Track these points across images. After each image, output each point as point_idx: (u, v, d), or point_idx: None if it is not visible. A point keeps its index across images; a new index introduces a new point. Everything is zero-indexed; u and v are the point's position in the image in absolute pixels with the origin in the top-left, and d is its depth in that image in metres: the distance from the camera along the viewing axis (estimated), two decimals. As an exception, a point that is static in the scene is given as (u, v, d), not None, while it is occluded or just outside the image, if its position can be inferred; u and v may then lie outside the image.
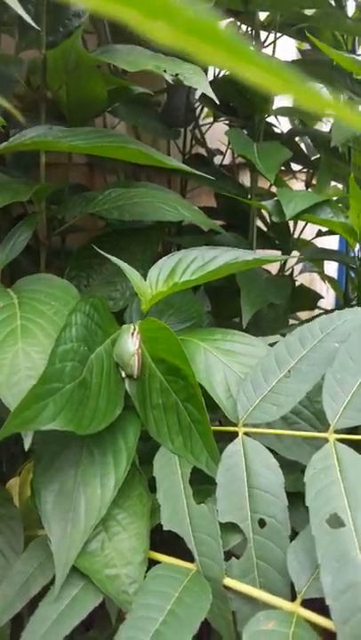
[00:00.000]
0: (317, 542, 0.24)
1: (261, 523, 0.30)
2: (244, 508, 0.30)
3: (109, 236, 0.59)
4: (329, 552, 0.24)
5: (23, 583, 0.36)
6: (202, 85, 0.43)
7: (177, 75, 0.42)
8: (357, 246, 0.58)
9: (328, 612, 0.23)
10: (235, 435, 0.33)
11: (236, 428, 0.34)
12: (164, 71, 0.43)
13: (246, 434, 0.33)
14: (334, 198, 0.60)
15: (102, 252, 0.42)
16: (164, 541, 0.35)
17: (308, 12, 0.69)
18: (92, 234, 0.60)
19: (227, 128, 0.85)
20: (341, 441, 0.28)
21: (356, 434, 0.29)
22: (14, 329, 0.35)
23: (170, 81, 0.43)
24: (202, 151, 0.85)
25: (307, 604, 0.26)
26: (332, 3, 0.69)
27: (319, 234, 0.75)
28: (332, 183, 0.72)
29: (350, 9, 0.78)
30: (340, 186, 0.76)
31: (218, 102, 0.47)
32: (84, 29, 0.55)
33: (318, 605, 0.25)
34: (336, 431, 0.29)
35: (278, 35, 0.70)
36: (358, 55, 0.74)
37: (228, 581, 0.30)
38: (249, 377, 0.34)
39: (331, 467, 0.27)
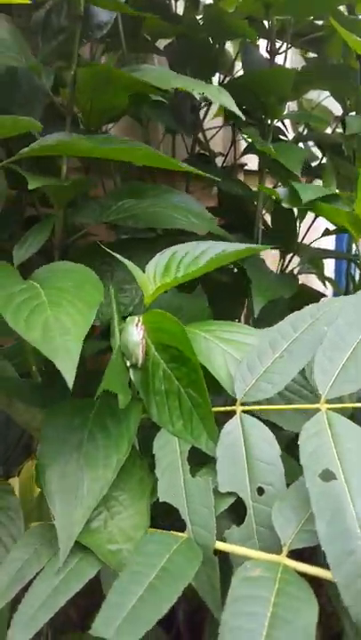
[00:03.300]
0: (311, 493, 0.29)
1: (260, 491, 0.34)
2: (243, 478, 0.35)
3: (116, 244, 0.65)
4: (322, 502, 0.28)
5: (19, 569, 0.40)
6: (229, 104, 0.50)
7: (203, 94, 0.49)
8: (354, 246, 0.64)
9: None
10: (235, 413, 0.38)
11: (234, 407, 0.38)
12: (193, 90, 0.49)
13: (244, 412, 0.38)
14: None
15: (115, 255, 0.47)
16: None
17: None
18: (99, 239, 0.66)
19: (229, 132, 0.92)
20: (333, 410, 0.33)
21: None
22: (41, 303, 0.40)
23: (198, 99, 0.50)
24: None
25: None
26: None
27: (326, 233, 0.80)
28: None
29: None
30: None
31: (242, 116, 0.53)
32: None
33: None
34: (327, 401, 0.34)
35: (289, 45, 0.77)
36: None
37: (220, 545, 0.34)
38: (245, 360, 0.39)
39: (323, 431, 0.31)
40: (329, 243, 1.30)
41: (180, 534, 0.36)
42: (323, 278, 0.98)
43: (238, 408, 0.38)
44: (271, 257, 0.87)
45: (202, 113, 0.85)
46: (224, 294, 0.70)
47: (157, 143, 0.90)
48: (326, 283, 0.99)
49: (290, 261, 0.85)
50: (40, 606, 0.34)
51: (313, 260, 0.84)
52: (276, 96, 0.69)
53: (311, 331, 0.38)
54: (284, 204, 0.64)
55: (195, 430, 0.40)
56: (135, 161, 0.52)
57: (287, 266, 0.85)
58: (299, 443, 0.32)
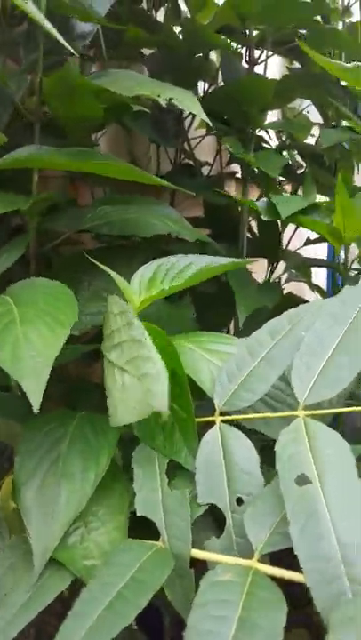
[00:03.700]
0: (286, 497, 0.29)
1: (239, 501, 0.34)
2: (222, 489, 0.34)
3: (97, 252, 0.65)
4: (297, 506, 0.28)
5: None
6: (194, 109, 0.49)
7: (170, 99, 0.49)
8: (342, 253, 0.64)
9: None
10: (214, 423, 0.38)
11: (213, 417, 0.38)
12: (158, 96, 0.49)
13: (224, 421, 0.37)
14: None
15: (96, 262, 0.47)
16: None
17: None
18: (84, 247, 0.66)
19: (214, 141, 0.93)
20: (311, 416, 0.33)
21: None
22: (13, 319, 0.40)
23: (164, 105, 0.50)
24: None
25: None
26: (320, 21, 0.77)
27: (308, 242, 0.81)
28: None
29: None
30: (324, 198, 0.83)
31: (210, 121, 0.53)
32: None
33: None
34: (305, 407, 0.33)
35: (270, 53, 0.78)
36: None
37: (195, 552, 0.34)
38: (224, 368, 0.39)
39: (300, 438, 0.31)
40: (323, 249, 1.30)
41: (153, 543, 0.36)
42: (311, 286, 0.99)
43: (217, 418, 0.38)
44: (260, 264, 0.88)
45: (188, 122, 0.86)
46: (212, 304, 0.70)
47: (144, 152, 0.90)
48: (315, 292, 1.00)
49: (275, 269, 0.85)
50: (10, 620, 0.34)
51: (300, 267, 0.85)
52: (257, 106, 0.70)
53: (289, 336, 0.38)
54: (264, 217, 0.64)
55: (175, 445, 0.39)
56: (109, 174, 0.52)
57: (273, 273, 0.85)
58: (275, 449, 0.31)
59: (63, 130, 0.60)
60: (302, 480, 0.29)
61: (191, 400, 0.39)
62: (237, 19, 0.65)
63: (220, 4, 0.68)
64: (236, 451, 0.35)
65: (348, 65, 0.57)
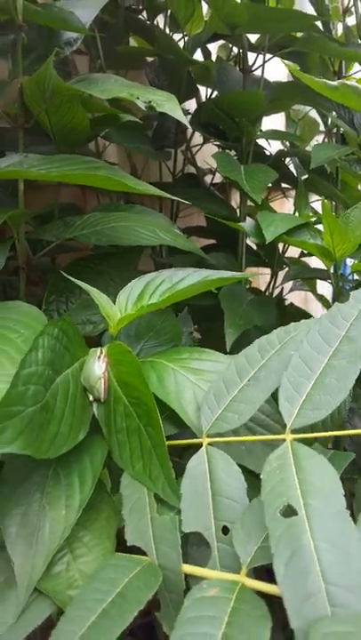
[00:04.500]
0: (271, 531, 0.27)
1: (225, 530, 0.33)
2: (207, 516, 0.33)
3: (89, 260, 0.64)
4: (282, 541, 0.27)
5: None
6: (174, 111, 0.49)
7: (150, 102, 0.49)
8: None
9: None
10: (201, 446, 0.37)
11: (200, 440, 0.37)
12: (137, 98, 0.49)
13: (210, 444, 0.36)
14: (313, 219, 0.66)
15: (71, 278, 0.47)
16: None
17: (297, 34, 0.78)
18: (81, 254, 0.66)
19: (217, 148, 0.92)
20: (299, 440, 0.32)
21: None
22: None
23: (143, 108, 0.49)
24: (193, 170, 0.92)
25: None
26: (320, 26, 0.77)
27: (302, 254, 0.80)
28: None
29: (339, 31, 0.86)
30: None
31: (190, 127, 0.53)
32: (76, 51, 0.62)
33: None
34: (293, 431, 0.32)
35: (268, 56, 0.78)
36: (344, 77, 0.82)
37: (186, 567, 0.33)
38: (212, 389, 0.38)
39: (287, 463, 0.30)
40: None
41: (142, 558, 0.35)
42: (317, 296, 0.97)
43: (205, 440, 0.37)
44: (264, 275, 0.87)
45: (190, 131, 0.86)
46: (212, 316, 0.69)
47: (145, 160, 0.90)
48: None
49: (276, 278, 0.84)
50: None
51: (299, 277, 0.83)
52: (249, 117, 0.69)
53: (279, 356, 0.37)
54: (252, 239, 0.63)
55: (153, 472, 0.38)
56: (93, 184, 0.51)
57: (275, 283, 0.84)
58: (261, 476, 0.30)
59: (54, 138, 0.60)
60: (288, 509, 0.28)
61: (161, 425, 0.38)
62: (227, 28, 0.64)
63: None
64: (223, 476, 0.34)
65: (334, 83, 0.57)
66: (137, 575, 0.32)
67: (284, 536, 0.27)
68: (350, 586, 0.25)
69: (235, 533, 0.30)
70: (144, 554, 0.36)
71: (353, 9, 0.79)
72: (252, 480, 0.35)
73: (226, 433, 0.36)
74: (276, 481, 0.29)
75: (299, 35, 0.77)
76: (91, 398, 0.43)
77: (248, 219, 0.76)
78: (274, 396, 0.35)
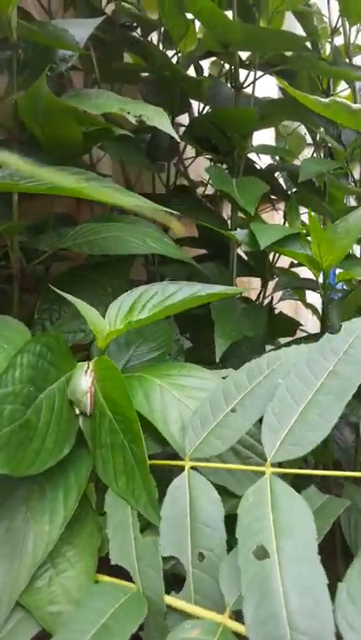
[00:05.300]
0: (243, 573, 0.26)
1: (200, 556, 0.31)
2: (185, 542, 0.32)
3: (82, 268, 0.62)
4: (253, 583, 0.25)
5: None
6: (164, 126, 0.47)
7: (140, 116, 0.47)
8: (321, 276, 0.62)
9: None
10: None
11: (183, 463, 0.35)
12: (128, 113, 0.47)
13: (193, 468, 0.35)
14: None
15: (58, 291, 0.45)
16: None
17: (288, 53, 0.76)
18: (75, 263, 0.64)
19: (209, 162, 0.91)
20: (278, 474, 0.30)
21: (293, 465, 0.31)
22: None
23: (134, 122, 0.47)
24: (186, 183, 0.90)
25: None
26: (309, 46, 0.75)
27: (292, 265, 0.79)
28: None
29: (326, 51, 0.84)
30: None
31: (180, 140, 0.51)
32: (72, 66, 0.60)
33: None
34: (273, 464, 0.31)
35: (259, 74, 0.76)
36: (332, 95, 0.80)
37: (168, 599, 0.32)
38: (198, 412, 0.36)
39: (264, 500, 0.28)
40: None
41: (129, 585, 0.33)
42: (305, 304, 0.96)
43: (187, 464, 0.35)
44: (255, 282, 0.86)
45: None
46: (202, 323, 0.67)
47: (138, 173, 0.88)
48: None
49: (267, 288, 0.83)
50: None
51: (288, 287, 0.82)
52: (240, 132, 0.68)
53: (266, 383, 0.35)
54: (244, 248, 0.62)
55: (136, 490, 0.37)
56: (71, 195, 0.49)
57: (266, 292, 0.83)
58: (238, 512, 0.29)
59: (49, 151, 0.58)
60: (262, 549, 0.26)
61: (143, 443, 0.36)
62: (220, 46, 0.63)
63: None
64: (202, 502, 0.33)
65: (326, 100, 0.55)
66: (123, 606, 0.31)
67: (255, 579, 0.25)
68: (315, 635, 0.23)
69: (221, 572, 0.29)
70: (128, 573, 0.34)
71: (341, 29, 0.77)
72: (234, 502, 0.34)
73: (208, 458, 0.34)
74: (251, 519, 0.28)
75: (288, 53, 0.75)
76: (77, 412, 0.41)
77: (239, 229, 0.75)
78: (260, 419, 0.34)
